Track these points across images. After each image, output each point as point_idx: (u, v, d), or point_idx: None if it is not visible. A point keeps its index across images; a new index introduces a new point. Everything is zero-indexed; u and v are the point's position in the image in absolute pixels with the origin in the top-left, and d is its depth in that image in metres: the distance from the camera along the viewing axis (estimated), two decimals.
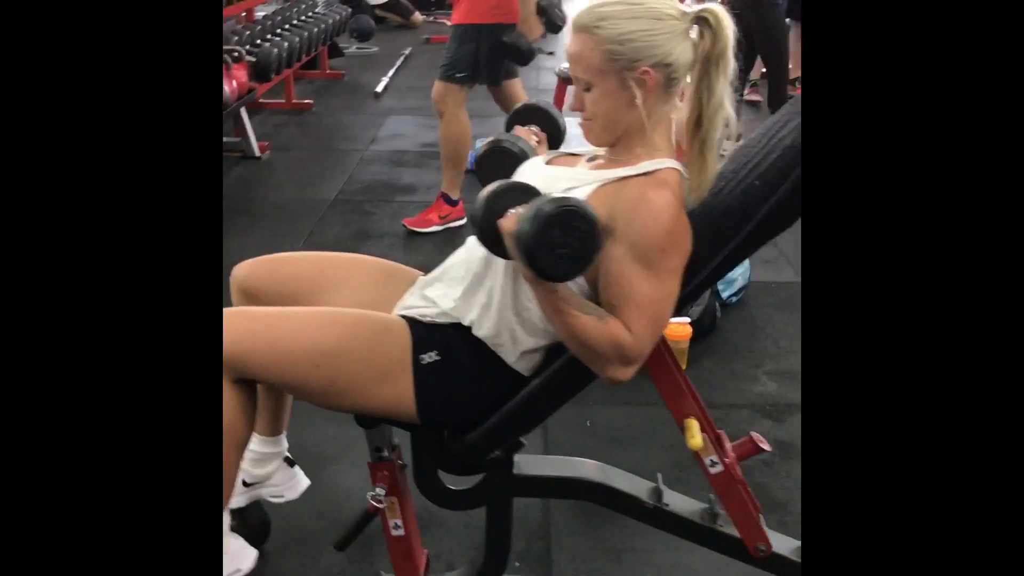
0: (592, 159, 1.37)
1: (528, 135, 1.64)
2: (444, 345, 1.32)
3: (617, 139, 1.30)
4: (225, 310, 1.30)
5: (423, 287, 1.41)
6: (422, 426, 1.36)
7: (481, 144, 1.62)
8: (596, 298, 1.27)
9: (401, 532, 1.51)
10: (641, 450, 2.12)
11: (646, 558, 1.77)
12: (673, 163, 1.28)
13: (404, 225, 3.47)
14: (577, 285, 1.27)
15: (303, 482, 1.93)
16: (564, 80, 4.68)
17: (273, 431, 1.60)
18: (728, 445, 1.47)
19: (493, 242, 1.21)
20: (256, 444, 1.60)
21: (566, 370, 1.31)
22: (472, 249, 1.37)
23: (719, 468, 1.45)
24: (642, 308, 1.21)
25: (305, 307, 1.36)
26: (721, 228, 1.25)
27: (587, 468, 1.51)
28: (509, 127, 1.69)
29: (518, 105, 1.74)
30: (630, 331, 1.20)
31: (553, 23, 3.31)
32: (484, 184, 1.35)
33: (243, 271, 1.51)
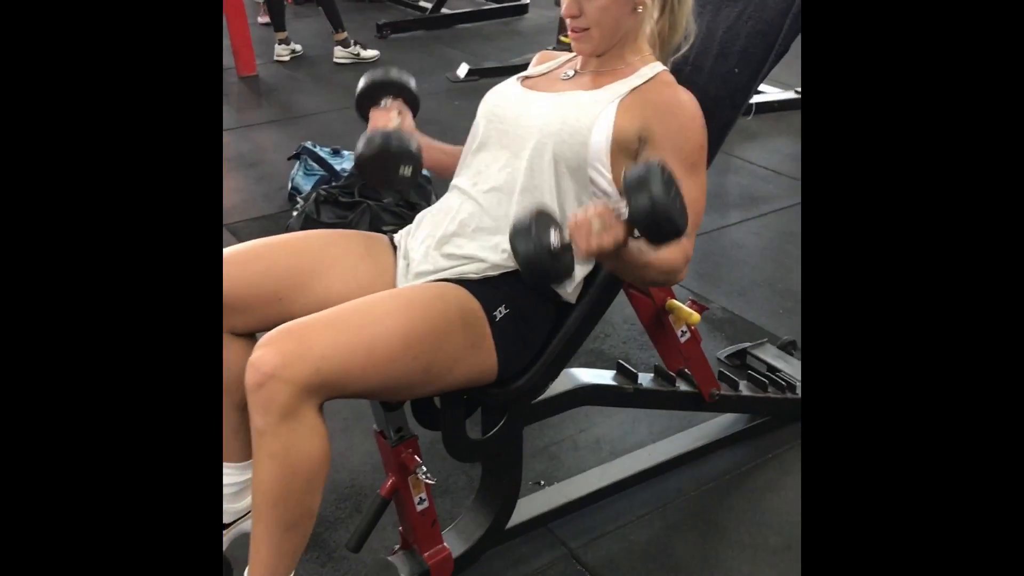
0: (573, 75, 1.34)
1: (391, 115, 1.37)
2: (509, 296, 1.25)
3: (611, 48, 1.30)
4: (276, 331, 1.09)
5: (438, 247, 1.29)
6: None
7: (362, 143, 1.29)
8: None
9: (426, 504, 1.41)
10: None
11: (570, 445, 1.86)
12: (662, 64, 1.33)
13: None
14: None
15: None
16: None
17: (246, 455, 1.35)
18: None
19: (553, 268, 1.07)
20: (231, 475, 1.34)
21: (606, 288, 1.34)
22: (478, 196, 1.29)
23: (688, 335, 1.61)
24: (692, 212, 1.26)
25: (360, 301, 1.15)
26: (716, 117, 1.35)
27: (581, 376, 1.55)
28: (363, 108, 1.41)
29: (365, 83, 1.41)
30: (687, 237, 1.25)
31: None
32: (372, 184, 1.32)
33: None
